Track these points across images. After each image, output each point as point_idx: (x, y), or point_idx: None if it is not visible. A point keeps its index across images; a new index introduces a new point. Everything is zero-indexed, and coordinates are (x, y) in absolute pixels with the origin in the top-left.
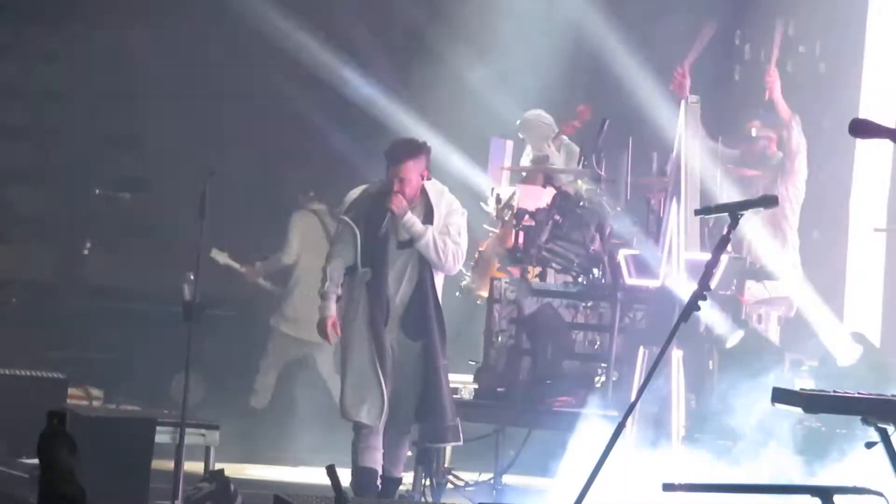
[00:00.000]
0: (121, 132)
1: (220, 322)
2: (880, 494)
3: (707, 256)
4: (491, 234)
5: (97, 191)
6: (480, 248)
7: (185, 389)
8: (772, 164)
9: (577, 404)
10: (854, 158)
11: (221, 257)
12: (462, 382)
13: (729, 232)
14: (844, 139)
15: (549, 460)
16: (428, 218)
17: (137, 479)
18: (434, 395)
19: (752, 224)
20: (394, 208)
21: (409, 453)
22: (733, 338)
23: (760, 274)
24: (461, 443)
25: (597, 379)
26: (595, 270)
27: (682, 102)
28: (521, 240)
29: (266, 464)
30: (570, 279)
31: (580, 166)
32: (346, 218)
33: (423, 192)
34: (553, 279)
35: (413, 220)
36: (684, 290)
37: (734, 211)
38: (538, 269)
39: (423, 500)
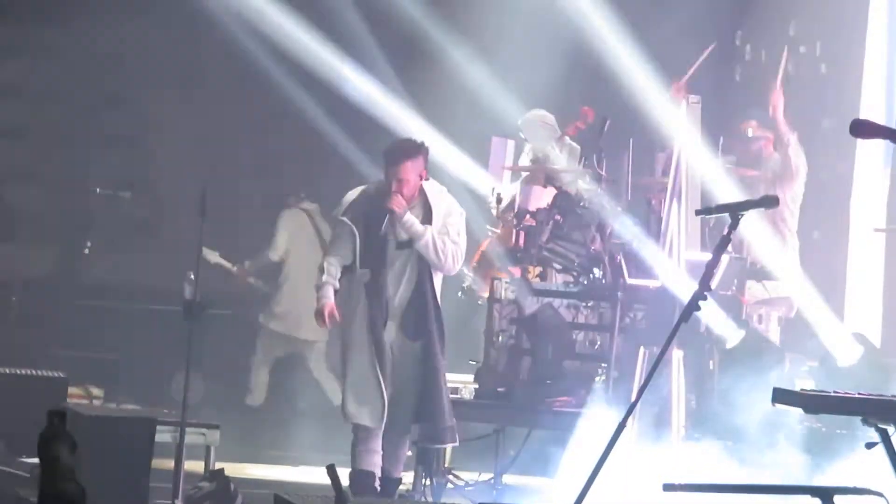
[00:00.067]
0: (121, 132)
1: (220, 321)
2: (880, 494)
3: (707, 256)
4: (491, 234)
5: (97, 190)
6: (482, 249)
7: (185, 389)
8: (769, 166)
9: (577, 404)
10: (854, 158)
11: (213, 256)
12: (462, 382)
13: (729, 232)
14: (844, 139)
15: (549, 460)
16: (427, 218)
17: (137, 479)
18: (433, 396)
19: (752, 224)
20: (393, 208)
21: (409, 453)
22: (733, 338)
23: (761, 274)
24: (457, 443)
25: (597, 379)
26: (595, 270)
27: (683, 102)
28: (521, 240)
29: (266, 463)
30: (570, 279)
31: (581, 166)
32: (345, 219)
33: (422, 192)
34: (553, 279)
35: (412, 220)
36: (684, 290)
37: (735, 211)
38: (539, 269)
39: (423, 500)
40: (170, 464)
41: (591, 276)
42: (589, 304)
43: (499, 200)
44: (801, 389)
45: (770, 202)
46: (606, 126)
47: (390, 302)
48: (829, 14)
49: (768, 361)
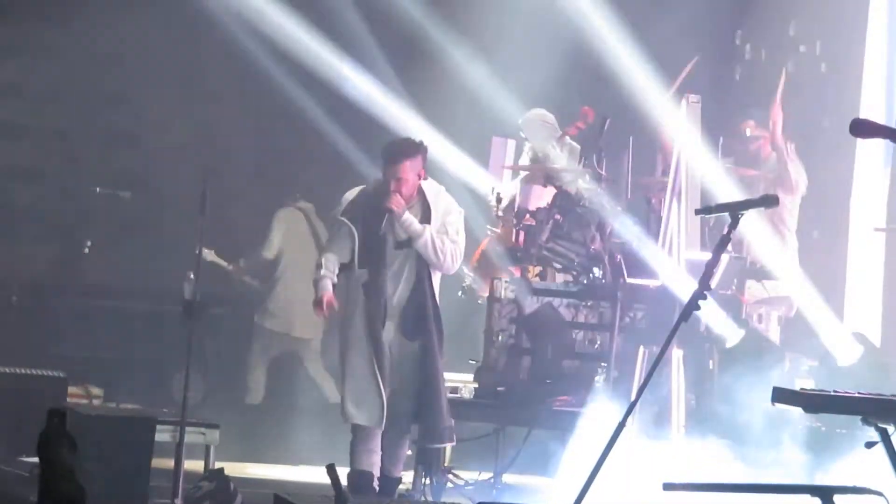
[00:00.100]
0: (121, 132)
1: (220, 320)
2: (880, 494)
3: (707, 256)
4: (491, 234)
5: (97, 189)
6: (482, 248)
7: (185, 388)
8: (767, 166)
9: (577, 404)
10: (854, 158)
11: (209, 255)
12: (462, 382)
13: (729, 232)
14: (844, 139)
15: (549, 460)
16: (425, 217)
17: (137, 478)
18: (432, 396)
19: (752, 224)
20: (392, 207)
21: (409, 452)
22: (733, 337)
23: (760, 273)
24: (455, 443)
25: (597, 378)
26: (595, 270)
27: (683, 102)
28: (521, 239)
29: (266, 462)
30: (570, 278)
31: (581, 165)
32: (344, 218)
33: (421, 191)
34: (553, 278)
35: (411, 219)
36: (684, 289)
37: (735, 211)
38: (538, 269)
39: (422, 499)
40: (169, 463)
41: (591, 275)
42: (589, 304)
43: (499, 200)
44: (801, 389)
45: (770, 201)
46: (606, 125)
47: (389, 302)
48: (829, 14)
49: (768, 361)
